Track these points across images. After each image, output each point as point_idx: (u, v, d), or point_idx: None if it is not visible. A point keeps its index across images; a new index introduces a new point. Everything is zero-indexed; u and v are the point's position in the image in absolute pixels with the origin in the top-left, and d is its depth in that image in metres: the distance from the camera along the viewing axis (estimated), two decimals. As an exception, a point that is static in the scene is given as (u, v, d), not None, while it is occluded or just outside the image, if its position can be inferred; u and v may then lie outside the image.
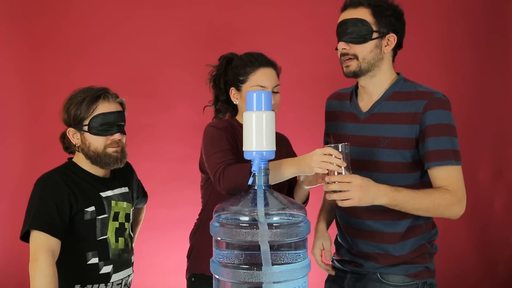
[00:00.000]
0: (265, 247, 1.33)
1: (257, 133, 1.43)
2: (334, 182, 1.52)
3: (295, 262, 1.40)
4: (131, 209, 1.99)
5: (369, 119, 1.75)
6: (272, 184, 1.60)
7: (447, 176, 1.64)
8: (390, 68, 1.75)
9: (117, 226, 1.89)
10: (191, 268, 1.98)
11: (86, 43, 3.22)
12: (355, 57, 1.69)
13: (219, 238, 1.44)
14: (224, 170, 1.69)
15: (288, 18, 3.29)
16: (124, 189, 1.97)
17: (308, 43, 3.25)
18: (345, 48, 1.70)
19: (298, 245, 1.43)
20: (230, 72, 1.93)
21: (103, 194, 1.88)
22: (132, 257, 1.97)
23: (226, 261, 1.41)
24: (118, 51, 3.22)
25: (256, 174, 1.41)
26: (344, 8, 1.74)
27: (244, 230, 1.35)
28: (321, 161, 1.56)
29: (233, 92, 1.92)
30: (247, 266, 1.37)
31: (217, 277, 1.44)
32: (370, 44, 1.68)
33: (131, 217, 1.98)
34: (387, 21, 1.69)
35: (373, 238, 1.74)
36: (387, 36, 1.69)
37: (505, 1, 3.36)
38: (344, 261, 1.85)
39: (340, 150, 1.55)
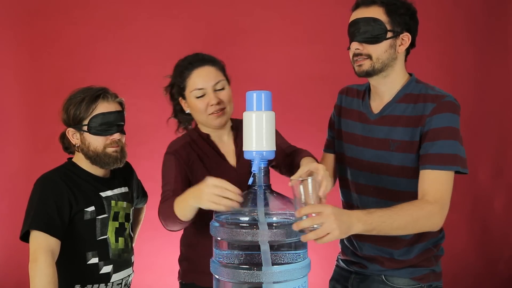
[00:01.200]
0: (265, 247, 1.33)
1: (257, 133, 1.43)
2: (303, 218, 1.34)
3: (295, 262, 1.40)
4: (131, 209, 1.99)
5: (379, 121, 1.71)
6: (187, 219, 1.54)
7: (435, 181, 1.56)
8: (402, 68, 1.71)
9: (117, 226, 1.89)
10: (180, 275, 1.90)
11: (86, 43, 3.22)
12: (369, 57, 1.64)
13: (219, 238, 1.44)
14: (159, 208, 1.66)
15: (288, 18, 3.29)
16: (124, 189, 1.97)
17: (308, 43, 3.25)
18: (358, 49, 1.64)
19: (298, 245, 1.42)
20: (175, 81, 1.82)
21: (103, 194, 1.88)
22: (132, 257, 1.97)
23: (226, 261, 1.41)
24: (118, 51, 3.22)
25: (256, 174, 1.41)
26: (356, 7, 1.68)
27: (244, 230, 1.35)
28: (213, 194, 1.40)
29: (182, 101, 1.83)
30: (247, 266, 1.37)
31: (217, 277, 1.44)
32: (384, 44, 1.62)
33: (131, 217, 1.98)
34: (401, 20, 1.64)
35: (378, 242, 1.72)
36: (401, 35, 1.65)
37: (505, 1, 3.36)
38: (349, 261, 1.84)
39: (309, 184, 1.36)
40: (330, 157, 1.91)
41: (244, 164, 1.78)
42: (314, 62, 3.21)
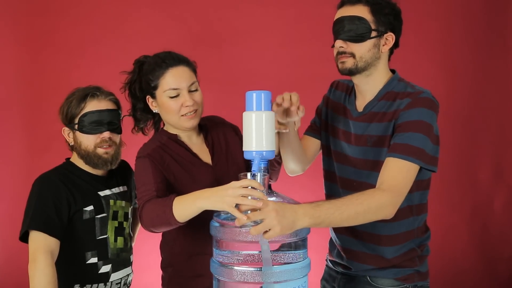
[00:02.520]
0: (265, 247, 1.33)
1: (257, 133, 1.43)
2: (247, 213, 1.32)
3: (295, 262, 1.40)
4: (130, 208, 1.98)
5: (359, 118, 1.73)
6: (184, 221, 1.49)
7: (394, 169, 1.54)
8: (385, 68, 1.72)
9: (116, 225, 1.89)
10: (166, 282, 1.82)
11: (86, 43, 3.22)
12: (352, 55, 1.64)
13: (219, 238, 1.44)
14: (143, 208, 1.58)
15: (287, 18, 3.29)
16: (123, 188, 1.97)
17: (307, 43, 3.25)
18: (342, 47, 1.65)
19: (298, 245, 1.43)
20: (142, 79, 1.75)
21: (102, 193, 1.88)
22: (131, 257, 1.97)
23: (226, 261, 1.41)
24: (118, 51, 3.21)
25: (256, 174, 1.40)
26: (341, 5, 1.68)
27: (244, 230, 1.35)
28: (238, 196, 1.34)
29: (150, 100, 1.76)
30: (247, 266, 1.37)
31: (217, 277, 1.44)
32: (368, 43, 1.63)
33: (129, 216, 1.98)
34: (385, 19, 1.64)
35: (360, 237, 1.72)
36: (385, 35, 1.65)
37: (504, 1, 3.37)
38: (335, 262, 1.85)
39: (259, 180, 1.37)
40: (309, 140, 1.89)
41: (220, 161, 1.78)
42: (313, 62, 3.21)
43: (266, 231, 1.29)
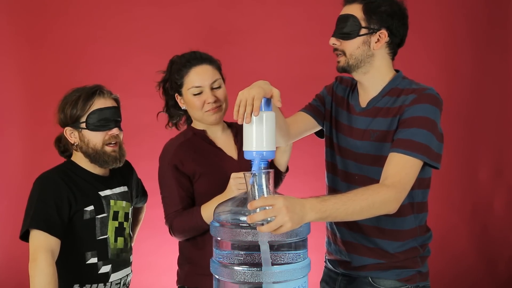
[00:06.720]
0: (265, 247, 1.33)
1: (257, 133, 1.43)
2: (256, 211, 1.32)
3: (295, 262, 1.40)
4: (130, 209, 1.98)
5: (363, 113, 1.75)
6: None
7: (398, 164, 1.55)
8: (386, 66, 1.72)
9: (117, 226, 1.89)
10: (182, 279, 1.90)
11: (86, 43, 3.22)
12: (343, 53, 1.68)
13: (219, 238, 1.44)
14: (173, 223, 1.81)
15: (288, 17, 3.29)
16: (123, 188, 1.97)
17: (308, 42, 3.25)
18: (335, 44, 1.70)
19: (298, 245, 1.43)
20: (171, 78, 1.90)
21: (102, 193, 1.88)
22: (131, 257, 1.97)
23: (226, 261, 1.41)
24: (118, 51, 3.21)
25: (256, 174, 1.40)
26: (344, 4, 1.73)
27: (244, 230, 1.35)
28: (239, 184, 1.68)
29: (178, 98, 1.91)
30: (247, 266, 1.37)
31: (217, 277, 1.44)
32: (357, 40, 1.66)
33: (130, 217, 1.98)
34: (378, 17, 1.65)
35: (361, 231, 1.72)
36: (378, 32, 1.66)
37: (506, 1, 3.37)
38: (335, 262, 1.84)
39: (262, 177, 1.39)
40: (303, 116, 1.88)
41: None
42: (313, 62, 3.21)
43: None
